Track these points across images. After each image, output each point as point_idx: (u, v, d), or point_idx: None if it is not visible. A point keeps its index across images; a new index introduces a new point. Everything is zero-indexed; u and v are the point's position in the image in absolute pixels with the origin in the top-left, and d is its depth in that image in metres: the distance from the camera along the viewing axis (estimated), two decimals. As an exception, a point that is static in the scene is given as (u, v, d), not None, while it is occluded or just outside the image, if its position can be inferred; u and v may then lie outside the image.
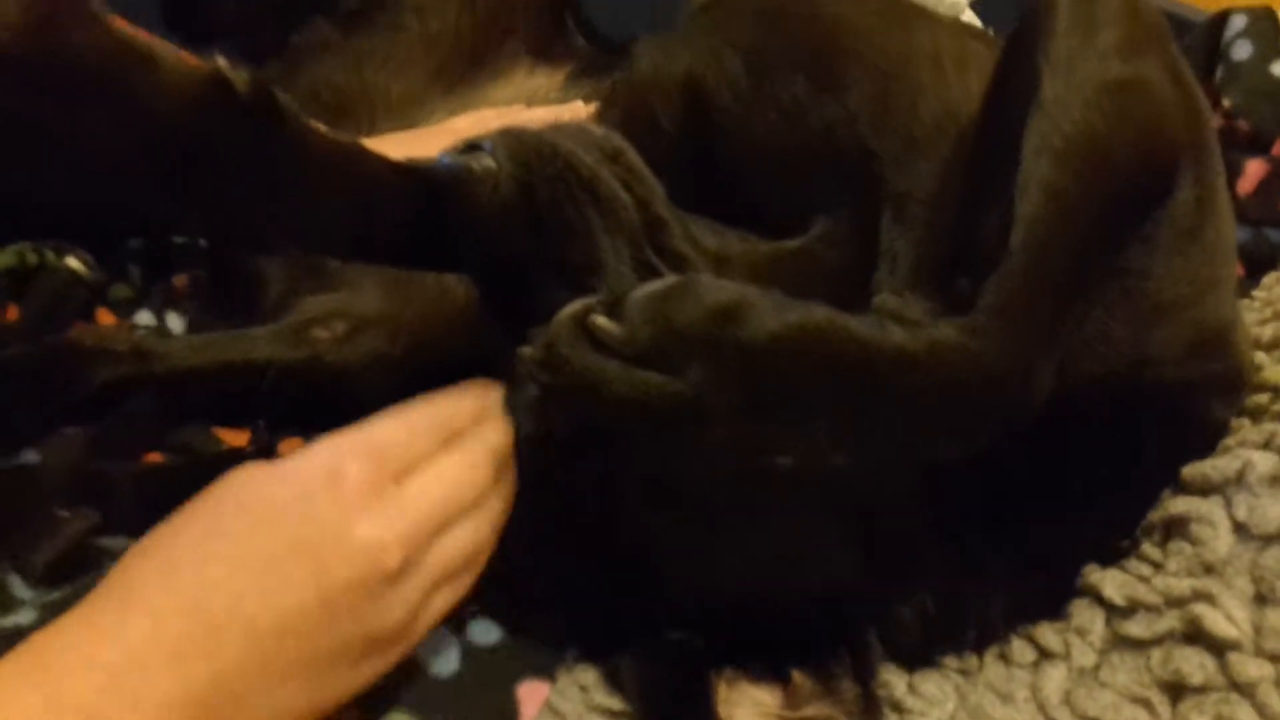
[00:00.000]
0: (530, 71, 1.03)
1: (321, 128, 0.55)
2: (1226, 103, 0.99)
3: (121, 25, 0.48)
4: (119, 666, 0.42)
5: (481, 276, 0.60)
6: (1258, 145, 0.98)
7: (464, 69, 1.00)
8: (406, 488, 0.51)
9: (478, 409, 0.56)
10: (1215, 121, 1.00)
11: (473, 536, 0.53)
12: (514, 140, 0.55)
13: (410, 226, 0.58)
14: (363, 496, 0.48)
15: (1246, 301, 0.81)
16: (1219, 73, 1.01)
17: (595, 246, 0.55)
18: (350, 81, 0.99)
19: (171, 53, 0.49)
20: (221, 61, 0.49)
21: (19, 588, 0.55)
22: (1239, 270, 0.93)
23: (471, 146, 0.54)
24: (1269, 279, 0.81)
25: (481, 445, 0.54)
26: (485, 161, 0.54)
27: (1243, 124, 0.98)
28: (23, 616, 0.51)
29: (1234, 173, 0.99)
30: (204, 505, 0.49)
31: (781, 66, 0.71)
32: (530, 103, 0.99)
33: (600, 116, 0.90)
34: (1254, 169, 0.98)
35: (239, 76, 0.49)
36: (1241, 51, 1.00)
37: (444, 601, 0.53)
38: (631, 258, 0.55)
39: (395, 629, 0.50)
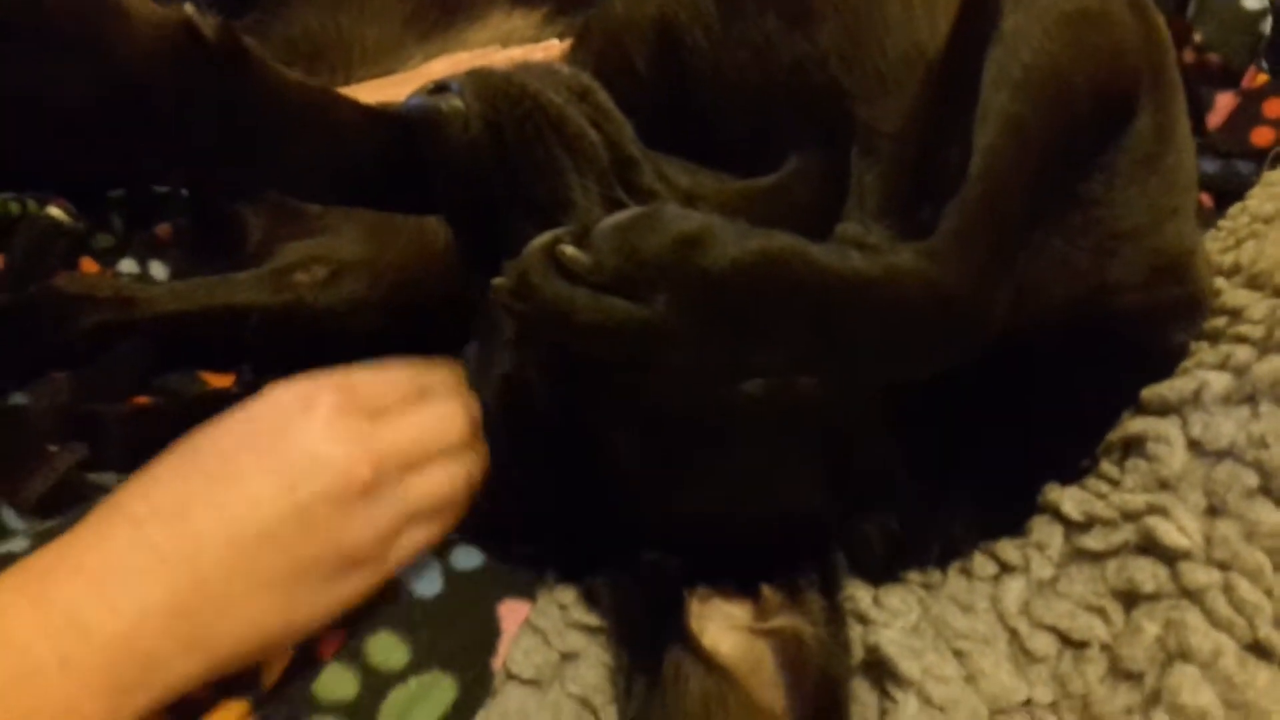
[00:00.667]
0: (508, 14, 1.03)
1: (293, 73, 0.56)
2: (1198, 36, 1.00)
3: None
4: (101, 570, 0.44)
5: (455, 216, 0.61)
6: (1228, 79, 0.99)
7: (439, 13, 1.00)
8: (379, 425, 0.53)
9: (451, 378, 0.59)
10: (1187, 56, 1.01)
11: (446, 480, 0.55)
12: (482, 80, 0.56)
13: (384, 169, 0.59)
14: (334, 419, 0.51)
15: (1212, 231, 0.82)
16: (1191, 7, 1.02)
17: (564, 184, 0.56)
18: (326, 28, 0.99)
19: (141, 3, 0.50)
20: (190, 9, 0.50)
21: (12, 518, 0.56)
22: (1207, 201, 0.95)
23: (440, 87, 0.56)
24: (1234, 209, 0.82)
25: (455, 404, 0.57)
26: (454, 102, 0.55)
27: (1214, 58, 0.99)
28: (15, 544, 0.52)
29: (1204, 106, 1.00)
30: (190, 438, 0.51)
31: (752, 4, 0.71)
32: (507, 44, 0.99)
33: (573, 57, 0.90)
34: (1224, 102, 0.99)
35: (208, 23, 0.50)
36: (1213, -14, 1.00)
37: (416, 539, 0.55)
38: (600, 195, 0.57)
39: (366, 548, 0.51)
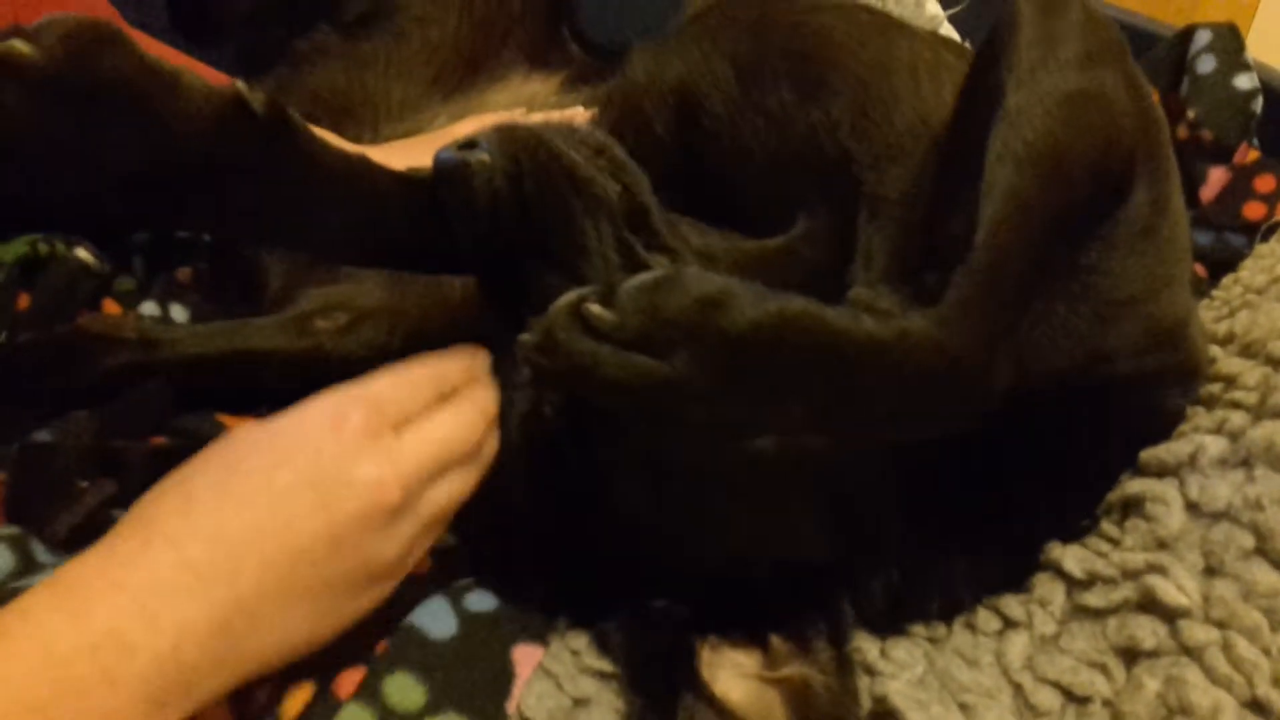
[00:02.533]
0: (526, 77, 1.07)
1: (331, 140, 0.59)
2: (1191, 114, 1.04)
3: (150, 48, 0.52)
4: (143, 590, 0.46)
5: (478, 267, 0.64)
6: (1220, 154, 1.03)
7: (462, 75, 1.04)
8: (404, 436, 0.55)
9: (469, 369, 0.60)
10: (1181, 132, 1.05)
11: (460, 488, 0.57)
12: (506, 135, 0.59)
13: (411, 234, 0.62)
14: (364, 440, 0.52)
15: (1206, 301, 0.85)
16: (1184, 85, 1.06)
17: (578, 231, 0.59)
18: (353, 86, 1.02)
19: (195, 75, 0.53)
20: (240, 84, 0.53)
21: (42, 553, 0.58)
22: (1201, 272, 0.98)
23: (469, 144, 0.58)
24: (1227, 280, 0.85)
25: (472, 405, 0.58)
26: (481, 156, 0.58)
27: (1206, 134, 1.03)
28: (46, 578, 0.53)
29: (1198, 180, 1.04)
30: (216, 451, 0.53)
31: (769, 75, 0.75)
32: (529, 108, 1.02)
33: (597, 122, 0.94)
34: (1216, 176, 1.02)
35: (257, 97, 0.54)
36: (1206, 65, 1.04)
37: (427, 544, 0.56)
38: (615, 239, 0.59)
39: (392, 562, 0.53)
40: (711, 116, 0.77)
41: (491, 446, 0.59)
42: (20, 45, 0.48)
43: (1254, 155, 1.01)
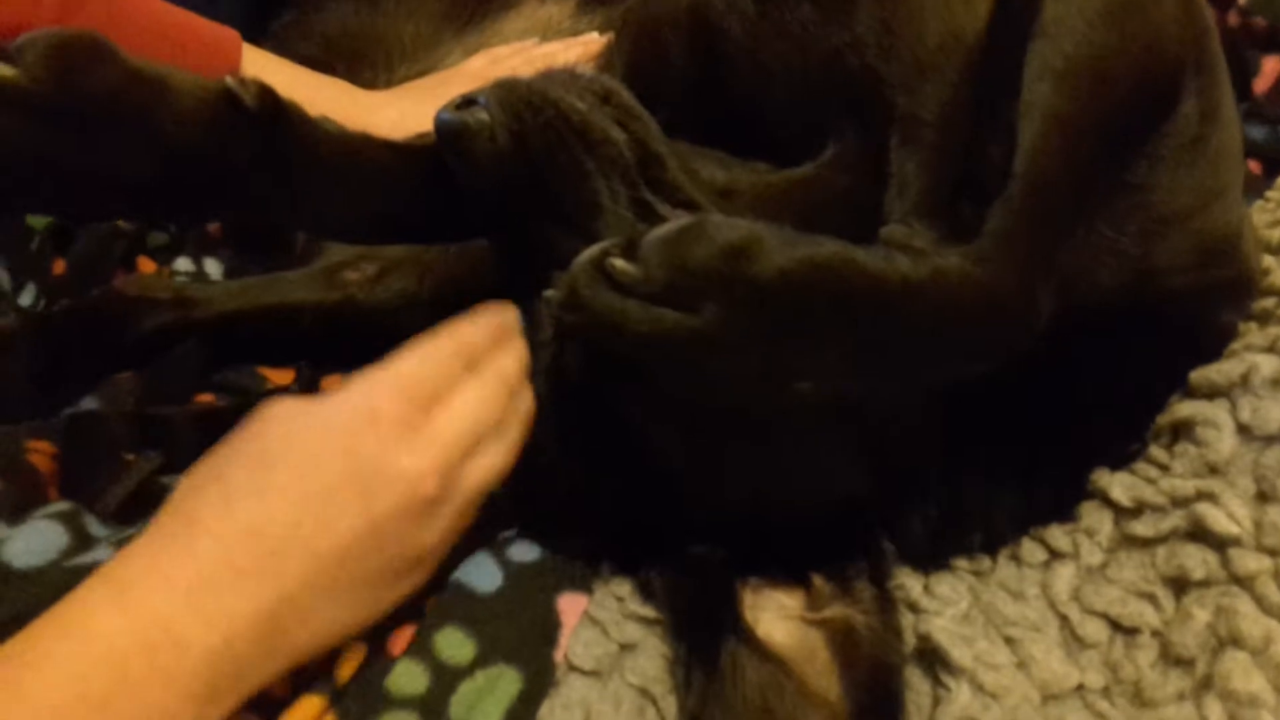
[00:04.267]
0: (541, 2, 1.04)
1: (330, 124, 0.58)
2: (1242, 1, 0.98)
3: (134, 57, 0.51)
4: (193, 584, 0.46)
5: (489, 227, 0.63)
6: (1274, 42, 0.98)
7: (475, 6, 1.01)
8: (435, 418, 0.54)
9: (495, 331, 0.59)
10: (1232, 19, 0.99)
11: (495, 461, 0.56)
12: (506, 91, 0.57)
13: (420, 205, 0.61)
14: (399, 431, 0.52)
15: (1260, 203, 0.81)
16: (1236, -30, 1.00)
17: (590, 188, 0.57)
18: (364, 26, 1.00)
19: (183, 75, 0.52)
20: (231, 79, 0.52)
21: (95, 526, 0.59)
22: (1255, 168, 0.94)
23: (467, 101, 0.57)
24: (1282, 180, 0.82)
25: (498, 374, 0.57)
26: (479, 115, 0.56)
27: (1259, 21, 0.98)
28: (100, 553, 0.55)
29: (1251, 70, 0.98)
30: (251, 440, 0.53)
31: (788, -8, 0.71)
32: (544, 35, 0.99)
33: (613, 49, 0.91)
34: (1270, 66, 0.97)
35: (248, 91, 0.52)
36: (1259, -53, 0.98)
37: (468, 522, 0.56)
38: (628, 197, 0.58)
39: (434, 548, 0.54)
40: (730, 40, 0.74)
41: (524, 412, 0.58)
42: (2, 69, 0.47)
43: (1312, 41, 0.95)
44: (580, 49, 0.91)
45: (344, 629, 0.52)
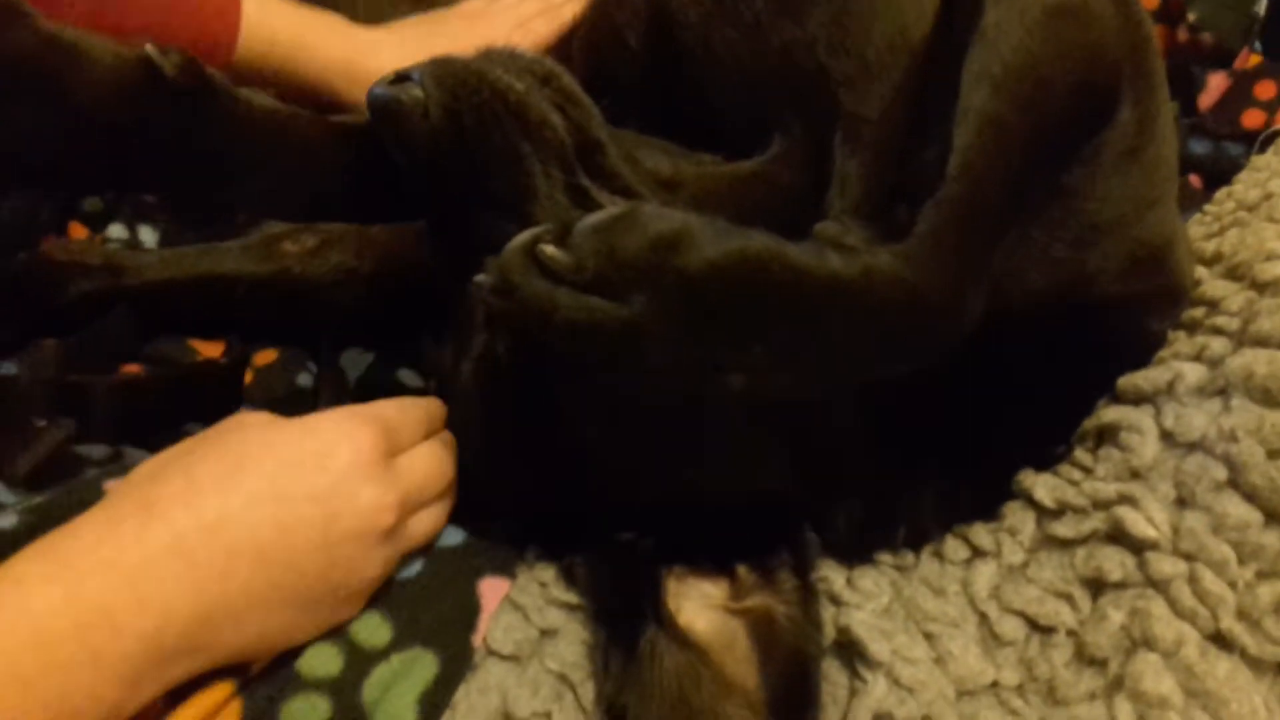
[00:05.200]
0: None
1: (259, 97, 0.57)
2: (1191, 16, 0.99)
3: (49, 20, 0.50)
4: (136, 570, 0.46)
5: (426, 209, 0.62)
6: (1221, 59, 0.99)
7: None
8: (401, 462, 0.56)
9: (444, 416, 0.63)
10: (1181, 35, 1.01)
11: (436, 519, 0.60)
12: (441, 69, 0.56)
13: (353, 182, 0.60)
14: (372, 461, 0.53)
15: (1198, 216, 0.83)
16: (1186, -15, 1.01)
17: (525, 172, 0.56)
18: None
19: (101, 43, 0.51)
20: (151, 48, 0.51)
21: (2, 493, 0.57)
22: (1197, 182, 0.96)
23: (401, 77, 0.56)
24: (1220, 194, 0.83)
25: (450, 444, 0.60)
26: (414, 91, 0.55)
27: (1206, 38, 0.99)
28: (6, 520, 0.53)
29: (1196, 86, 1.00)
30: (223, 439, 0.53)
31: (743, -16, 0.71)
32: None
33: (568, 28, 0.90)
34: (1216, 83, 0.99)
35: (168, 60, 0.51)
36: (1209, -36, 1.00)
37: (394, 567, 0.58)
38: (564, 182, 0.57)
39: (373, 580, 0.54)
40: (685, 29, 0.74)
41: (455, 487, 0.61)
42: None
43: (1255, 60, 0.97)
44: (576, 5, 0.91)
45: (272, 641, 0.52)
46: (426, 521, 0.58)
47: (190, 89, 0.52)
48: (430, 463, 0.58)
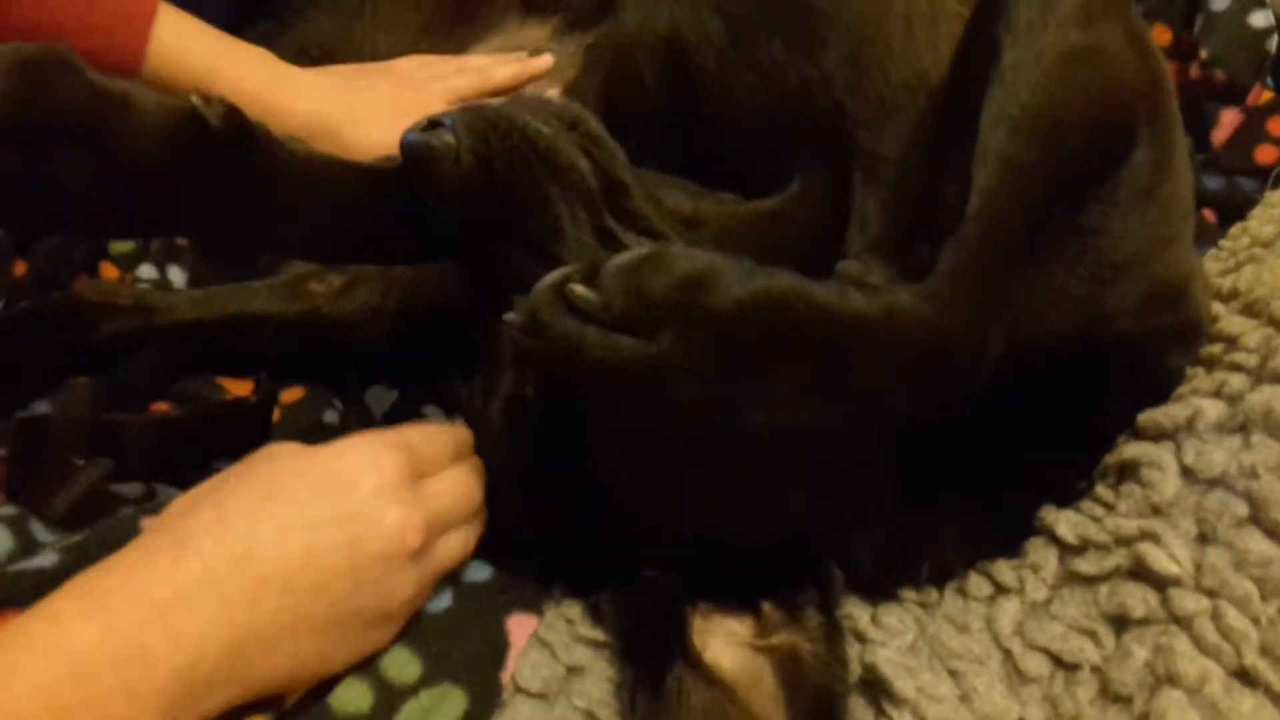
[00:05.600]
0: (521, 24, 1.04)
1: (296, 144, 0.59)
2: (1204, 53, 1.01)
3: (97, 73, 0.52)
4: (168, 604, 0.47)
5: (453, 249, 0.63)
6: (1233, 95, 1.00)
7: (453, 23, 1.01)
8: (427, 485, 0.57)
9: (471, 441, 0.63)
10: (1193, 71, 1.02)
11: (465, 542, 0.60)
12: (472, 115, 0.58)
13: (385, 226, 0.62)
14: (397, 483, 0.54)
15: (1213, 251, 0.83)
16: (1198, 22, 1.02)
17: (553, 214, 0.58)
18: (339, 35, 1.00)
19: (147, 93, 0.53)
20: (196, 97, 0.53)
21: (40, 532, 0.58)
22: (1210, 217, 0.96)
23: (433, 124, 0.57)
24: (1235, 229, 0.84)
25: (477, 471, 0.61)
26: (445, 137, 0.57)
27: (1219, 74, 1.00)
28: (45, 559, 0.54)
29: (1209, 122, 1.01)
30: (254, 471, 0.54)
31: (759, 26, 0.73)
32: (529, 54, 0.99)
33: (585, 71, 0.92)
34: (1229, 119, 1.00)
35: (213, 110, 0.53)
36: (1220, 2, 1.01)
37: (430, 590, 0.58)
38: (590, 224, 0.58)
39: (405, 603, 0.55)
40: (702, 70, 0.76)
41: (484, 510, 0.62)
42: None
43: (1268, 96, 0.98)
44: (516, 66, 0.92)
45: (306, 668, 0.52)
46: (454, 544, 0.59)
47: (233, 138, 0.53)
48: (457, 486, 0.59)
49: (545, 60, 0.92)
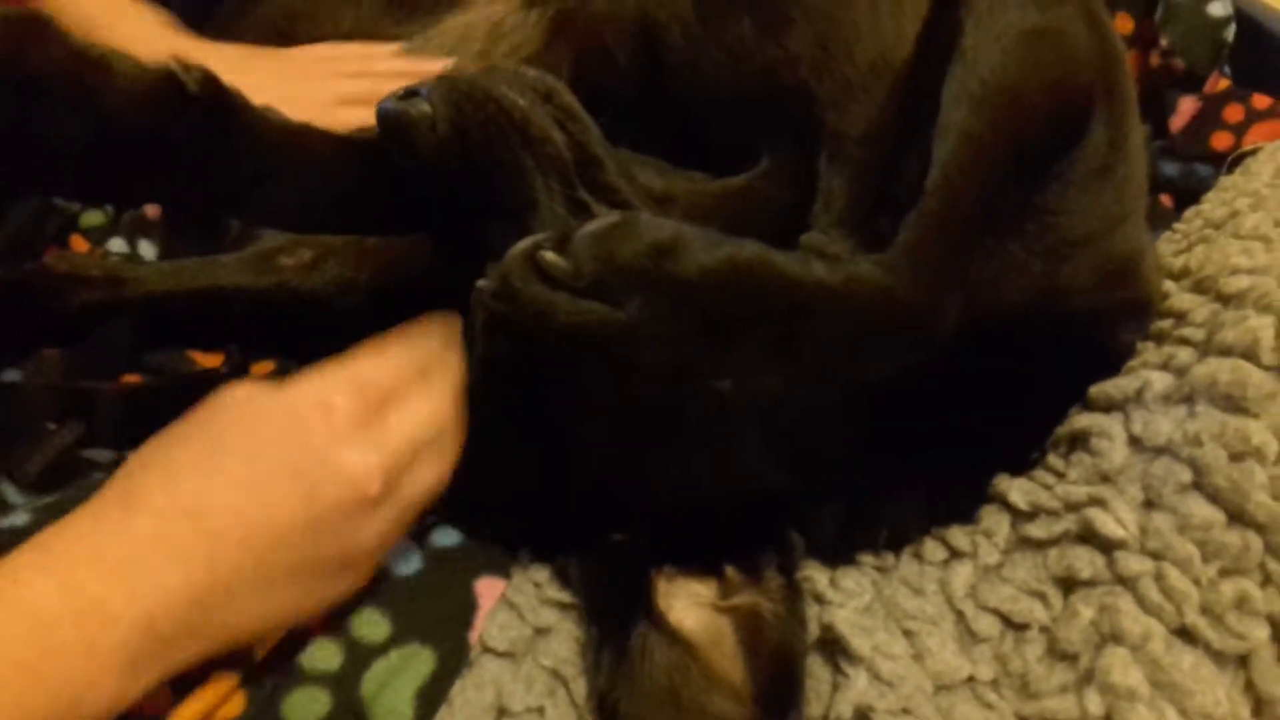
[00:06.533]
0: (489, -1, 1.05)
1: (273, 113, 0.59)
2: (1164, 41, 1.03)
3: (76, 36, 0.52)
4: (124, 560, 0.47)
5: (430, 221, 0.64)
6: (1191, 83, 1.02)
7: (419, -2, 1.02)
8: (386, 419, 0.55)
9: (444, 341, 0.60)
10: (1154, 59, 1.04)
11: (436, 473, 0.58)
12: (449, 85, 0.58)
13: (361, 195, 0.62)
14: (350, 427, 0.53)
15: (1167, 234, 0.86)
16: (1159, 10, 1.04)
17: (527, 184, 0.59)
18: (305, 9, 1.00)
19: (127, 57, 0.53)
20: (174, 62, 0.53)
21: (12, 493, 0.59)
22: (1167, 202, 0.99)
23: (409, 92, 0.58)
24: (1189, 212, 0.86)
25: (448, 384, 0.58)
26: (422, 106, 0.57)
27: (1178, 62, 1.02)
28: (18, 518, 0.55)
29: (1168, 109, 1.03)
30: (203, 422, 0.53)
31: (728, 7, 0.74)
32: (488, 30, 0.99)
33: (550, 47, 0.92)
34: (1186, 106, 1.02)
35: (191, 76, 0.53)
36: (1180, -9, 1.03)
37: (402, 531, 0.58)
38: (563, 195, 0.59)
39: (369, 550, 0.54)
40: (671, 49, 0.77)
41: (463, 427, 0.59)
42: None
43: (1224, 84, 1.00)
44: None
45: (267, 620, 0.52)
46: (424, 476, 0.56)
47: (212, 105, 0.54)
48: (421, 410, 0.56)
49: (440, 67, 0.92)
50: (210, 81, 0.54)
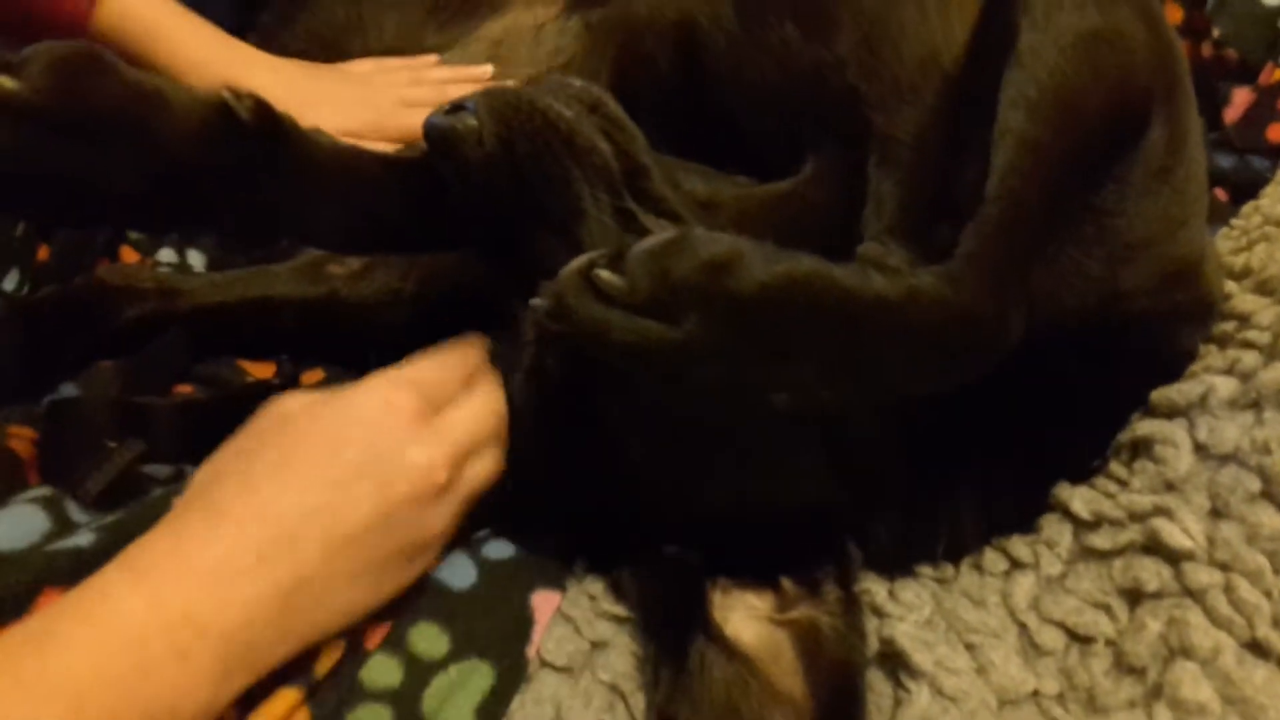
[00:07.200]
0: (529, 5, 1.04)
1: (324, 137, 0.60)
2: (1216, 32, 1.01)
3: (131, 69, 0.53)
4: (211, 570, 0.48)
5: (476, 230, 0.64)
6: (1245, 74, 1.00)
7: (460, 3, 1.02)
8: (445, 417, 0.58)
9: (481, 358, 0.64)
10: (1205, 50, 1.02)
11: (490, 465, 0.61)
12: (495, 98, 0.59)
13: (410, 213, 0.63)
14: (413, 425, 0.56)
15: (1225, 230, 0.84)
16: (1210, 2, 1.02)
17: (575, 195, 0.59)
18: (349, 17, 1.01)
19: (180, 88, 0.54)
20: (227, 92, 0.54)
21: (76, 512, 0.59)
22: (1223, 196, 0.97)
23: (456, 107, 0.58)
24: (1247, 208, 0.84)
25: (492, 391, 0.62)
26: (469, 120, 0.58)
27: (1231, 53, 1.00)
28: (82, 538, 0.55)
29: (1221, 101, 1.01)
30: (271, 431, 0.56)
31: (771, 11, 0.73)
32: (530, 36, 0.99)
33: (591, 52, 0.92)
34: (1241, 97, 1.00)
35: (243, 104, 0.54)
36: (1233, -19, 1.01)
37: (463, 517, 0.60)
38: (611, 206, 0.59)
39: (439, 535, 0.57)
40: (713, 53, 0.76)
41: (505, 431, 0.62)
42: (5, 81, 0.48)
43: (1279, 75, 0.98)
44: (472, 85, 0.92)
45: (355, 611, 0.54)
46: (481, 469, 0.60)
47: (263, 130, 0.54)
48: (476, 409, 0.60)
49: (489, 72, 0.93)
50: (262, 108, 0.54)
